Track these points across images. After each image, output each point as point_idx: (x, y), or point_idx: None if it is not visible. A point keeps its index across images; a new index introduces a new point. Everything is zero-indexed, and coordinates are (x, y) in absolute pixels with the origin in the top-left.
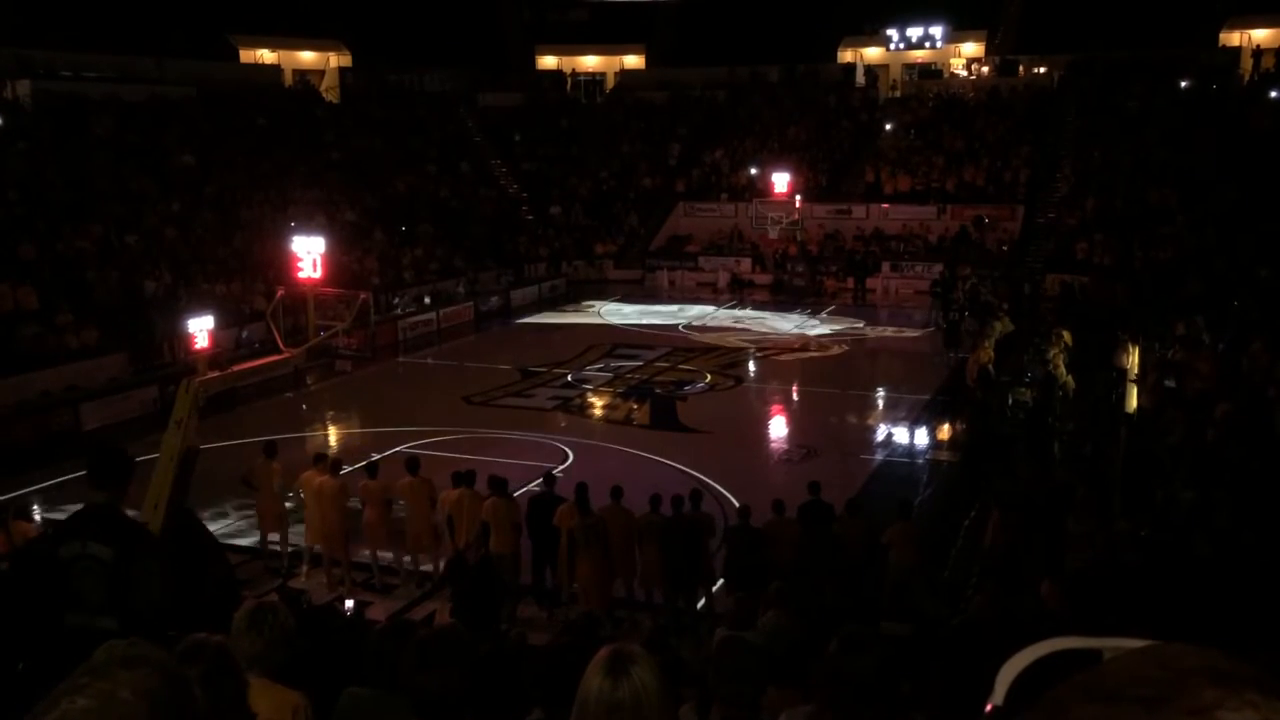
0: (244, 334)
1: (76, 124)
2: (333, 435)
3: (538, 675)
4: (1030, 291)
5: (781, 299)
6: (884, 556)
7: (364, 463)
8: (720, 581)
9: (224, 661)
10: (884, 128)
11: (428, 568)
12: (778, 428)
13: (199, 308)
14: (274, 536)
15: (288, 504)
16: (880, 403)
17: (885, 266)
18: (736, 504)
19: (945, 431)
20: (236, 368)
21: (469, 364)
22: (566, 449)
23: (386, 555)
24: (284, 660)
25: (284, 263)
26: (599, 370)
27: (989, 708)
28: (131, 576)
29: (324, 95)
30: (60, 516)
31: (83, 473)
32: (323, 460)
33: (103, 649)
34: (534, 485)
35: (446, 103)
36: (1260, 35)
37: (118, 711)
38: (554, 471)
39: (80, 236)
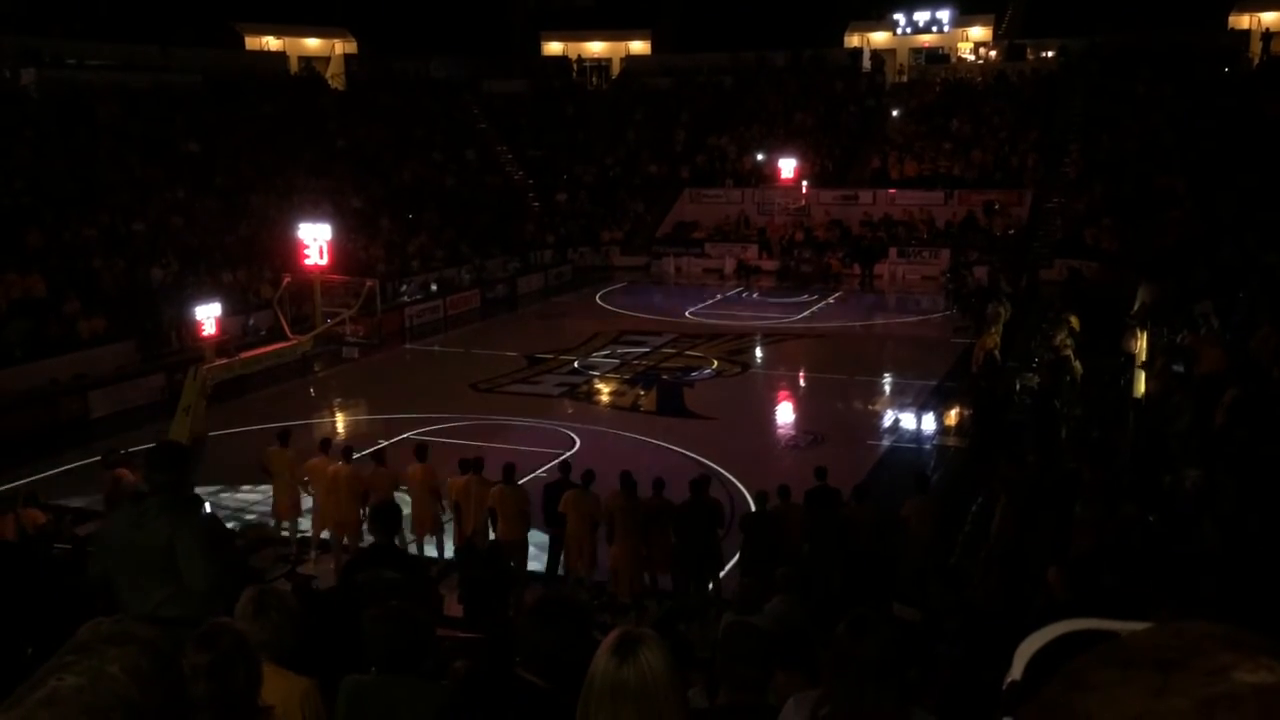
0: (251, 321)
1: (82, 113)
2: (340, 422)
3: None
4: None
5: (788, 285)
6: (901, 532)
7: (371, 450)
8: (728, 566)
9: (239, 650)
10: (891, 113)
11: (432, 553)
12: (784, 413)
13: (206, 295)
14: (289, 523)
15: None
16: (887, 388)
17: (892, 252)
18: (744, 489)
19: (952, 417)
20: (244, 355)
21: (476, 351)
22: (574, 436)
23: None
24: (291, 645)
25: (291, 250)
26: (606, 357)
27: (1007, 683)
28: (416, 595)
29: (329, 83)
30: (70, 504)
31: (91, 460)
32: (328, 446)
33: (87, 627)
34: (542, 472)
35: (452, 90)
36: (1269, 18)
37: (107, 688)
38: (568, 458)
39: (87, 225)
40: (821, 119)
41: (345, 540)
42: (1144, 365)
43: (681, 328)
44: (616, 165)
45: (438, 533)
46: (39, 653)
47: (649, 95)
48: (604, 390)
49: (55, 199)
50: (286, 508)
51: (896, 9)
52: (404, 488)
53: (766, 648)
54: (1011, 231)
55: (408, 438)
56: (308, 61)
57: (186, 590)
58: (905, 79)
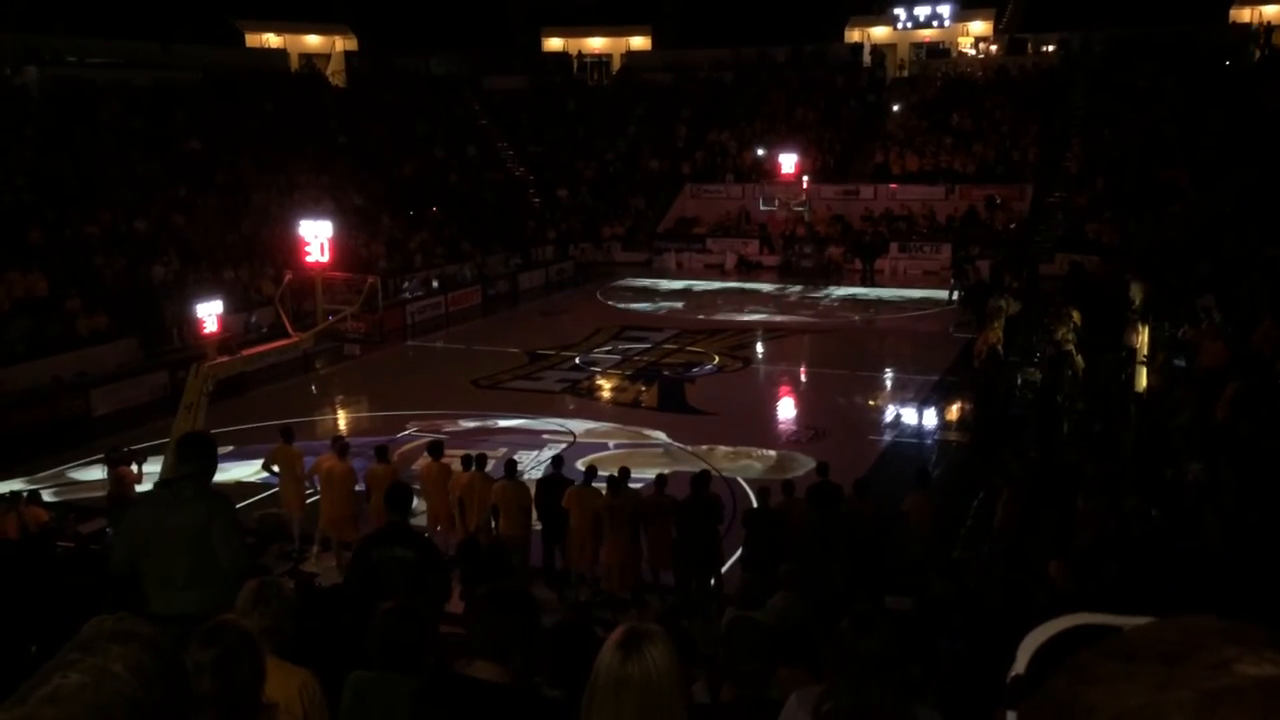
0: (253, 319)
1: (83, 110)
2: (342, 419)
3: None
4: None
5: (790, 280)
6: (901, 527)
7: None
8: (729, 562)
9: (244, 646)
10: (892, 108)
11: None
12: (786, 409)
13: (207, 293)
14: (296, 520)
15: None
16: (888, 383)
17: (894, 247)
18: (745, 485)
19: (954, 412)
20: (246, 352)
21: (477, 347)
22: (574, 432)
23: None
24: (289, 636)
25: (292, 248)
26: (607, 353)
27: (1010, 677)
28: (428, 572)
29: (330, 80)
30: (72, 497)
31: (94, 458)
32: (340, 443)
33: (91, 625)
34: (542, 467)
35: (452, 86)
36: (1270, 12)
37: (111, 685)
38: (562, 453)
39: (88, 223)
40: (822, 114)
41: (341, 538)
42: (1146, 359)
43: (683, 323)
44: (617, 161)
45: (450, 528)
46: (42, 650)
47: (650, 91)
48: (605, 386)
49: (56, 197)
50: (294, 504)
51: (897, 4)
52: (416, 486)
53: (769, 643)
54: (1013, 226)
55: (410, 434)
56: (308, 59)
57: (210, 572)
58: (906, 74)
